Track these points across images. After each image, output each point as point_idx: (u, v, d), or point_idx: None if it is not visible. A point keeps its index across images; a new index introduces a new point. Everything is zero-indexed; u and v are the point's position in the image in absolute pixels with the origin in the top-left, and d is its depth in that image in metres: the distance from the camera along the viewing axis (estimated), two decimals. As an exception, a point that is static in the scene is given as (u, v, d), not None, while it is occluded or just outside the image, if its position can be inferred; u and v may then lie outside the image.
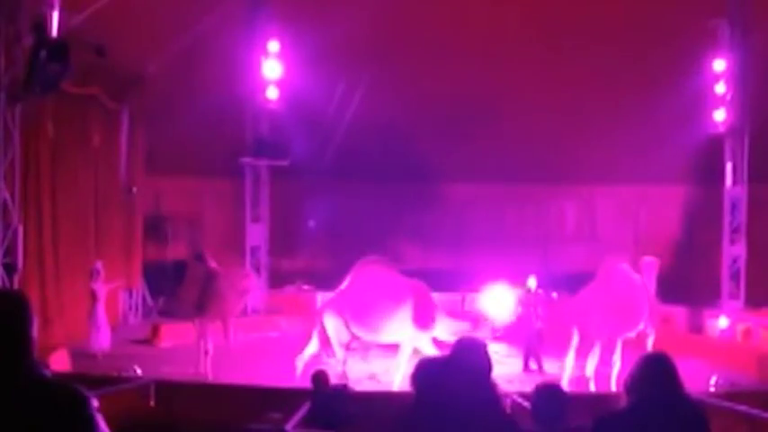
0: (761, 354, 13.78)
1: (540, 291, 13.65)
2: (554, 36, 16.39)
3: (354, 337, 11.92)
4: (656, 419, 3.68)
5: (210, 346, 12.54)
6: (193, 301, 12.74)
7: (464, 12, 16.37)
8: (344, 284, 12.05)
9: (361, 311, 11.69)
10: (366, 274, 12.00)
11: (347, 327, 11.71)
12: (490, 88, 17.42)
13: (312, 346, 11.83)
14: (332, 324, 11.69)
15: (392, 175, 19.06)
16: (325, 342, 11.83)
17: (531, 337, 13.44)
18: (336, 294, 12.10)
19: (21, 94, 11.63)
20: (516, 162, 18.63)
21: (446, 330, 11.61)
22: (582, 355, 11.93)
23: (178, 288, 13.63)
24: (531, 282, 13.56)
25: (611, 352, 11.62)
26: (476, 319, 12.59)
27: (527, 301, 13.45)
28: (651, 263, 12.97)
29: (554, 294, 14.14)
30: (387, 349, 12.91)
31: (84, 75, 13.73)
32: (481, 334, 11.27)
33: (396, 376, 11.40)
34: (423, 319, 11.71)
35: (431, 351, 11.07)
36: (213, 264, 12.97)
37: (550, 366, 13.21)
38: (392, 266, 12.28)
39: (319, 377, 8.08)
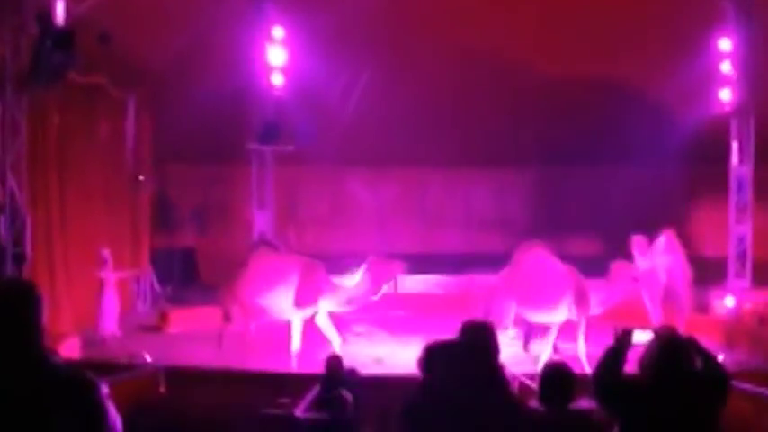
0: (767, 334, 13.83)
1: None
2: (560, 19, 16.33)
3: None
4: (675, 392, 3.75)
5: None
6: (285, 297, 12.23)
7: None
8: (509, 269, 12.44)
9: (530, 294, 12.19)
10: (530, 258, 12.44)
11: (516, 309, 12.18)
12: (498, 71, 17.38)
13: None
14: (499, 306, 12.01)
15: (397, 161, 19.06)
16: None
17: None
18: (502, 278, 12.36)
19: (27, 84, 11.65)
20: (523, 145, 18.64)
21: None
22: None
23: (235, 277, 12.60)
24: None
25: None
26: None
27: None
28: (640, 241, 13.64)
29: None
30: (392, 333, 13.03)
31: (90, 64, 13.70)
32: None
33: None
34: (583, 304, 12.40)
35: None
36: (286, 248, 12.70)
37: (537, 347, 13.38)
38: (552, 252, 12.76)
39: (333, 361, 8.05)
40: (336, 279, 12.86)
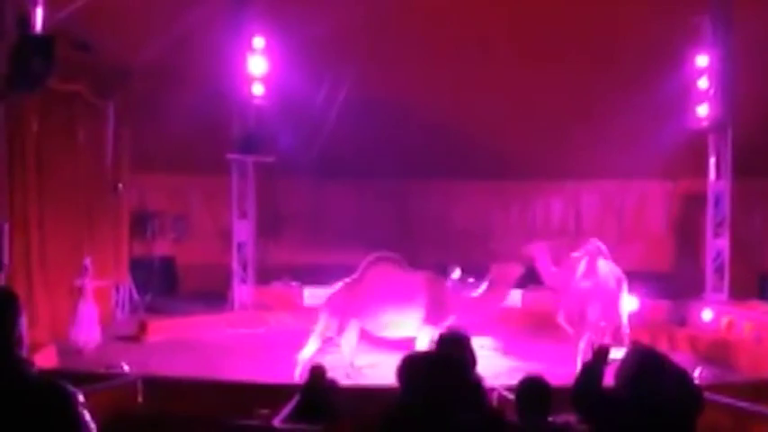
0: (744, 346, 13.91)
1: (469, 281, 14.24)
2: (537, 34, 16.42)
3: None
4: (650, 404, 3.78)
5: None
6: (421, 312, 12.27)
7: (450, 9, 16.36)
8: (584, 274, 12.87)
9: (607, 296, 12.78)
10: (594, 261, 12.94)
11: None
12: (474, 86, 17.45)
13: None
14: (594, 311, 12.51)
15: (377, 172, 19.06)
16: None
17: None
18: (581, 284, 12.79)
19: (6, 90, 11.56)
20: (500, 159, 18.71)
21: None
22: None
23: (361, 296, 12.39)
24: (456, 273, 14.58)
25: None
26: None
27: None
28: (540, 248, 13.75)
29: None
30: (374, 344, 13.04)
31: (69, 71, 13.62)
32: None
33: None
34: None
35: None
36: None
37: None
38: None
39: (316, 372, 7.96)
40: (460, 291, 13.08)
